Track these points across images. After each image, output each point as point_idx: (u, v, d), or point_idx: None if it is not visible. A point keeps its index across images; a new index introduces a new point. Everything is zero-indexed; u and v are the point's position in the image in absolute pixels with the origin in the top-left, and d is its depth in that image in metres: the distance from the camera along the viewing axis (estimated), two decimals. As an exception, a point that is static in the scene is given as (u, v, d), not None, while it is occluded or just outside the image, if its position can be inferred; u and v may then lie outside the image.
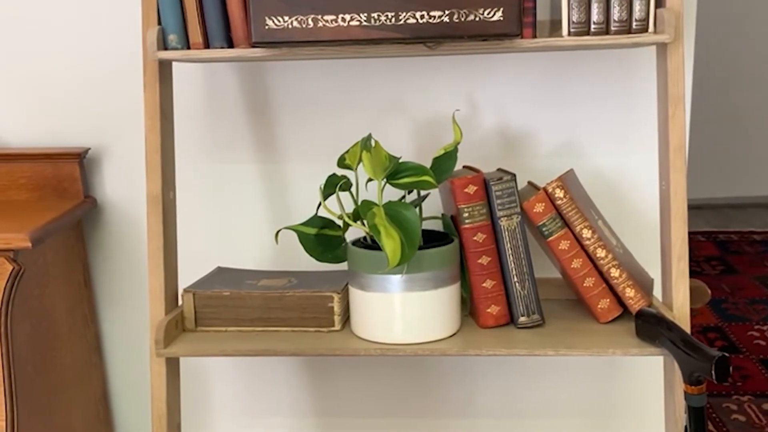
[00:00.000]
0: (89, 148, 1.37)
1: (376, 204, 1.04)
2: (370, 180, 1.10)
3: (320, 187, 1.11)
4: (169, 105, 1.15)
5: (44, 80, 1.36)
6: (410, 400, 1.42)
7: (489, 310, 1.13)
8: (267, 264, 1.37)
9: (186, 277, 1.23)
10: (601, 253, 1.12)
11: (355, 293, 1.10)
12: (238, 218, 1.37)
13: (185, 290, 1.16)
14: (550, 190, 1.12)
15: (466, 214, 1.11)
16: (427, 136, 1.32)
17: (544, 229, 1.11)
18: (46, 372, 1.26)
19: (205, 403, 1.45)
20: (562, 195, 1.11)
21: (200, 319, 1.16)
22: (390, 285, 1.06)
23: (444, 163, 1.12)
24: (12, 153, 1.35)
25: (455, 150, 1.13)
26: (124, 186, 1.39)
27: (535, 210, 1.11)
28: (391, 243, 0.99)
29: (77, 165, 1.35)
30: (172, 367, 1.13)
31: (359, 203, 1.05)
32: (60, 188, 1.36)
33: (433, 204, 1.26)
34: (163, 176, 1.12)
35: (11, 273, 1.14)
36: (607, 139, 1.30)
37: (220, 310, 1.15)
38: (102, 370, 1.45)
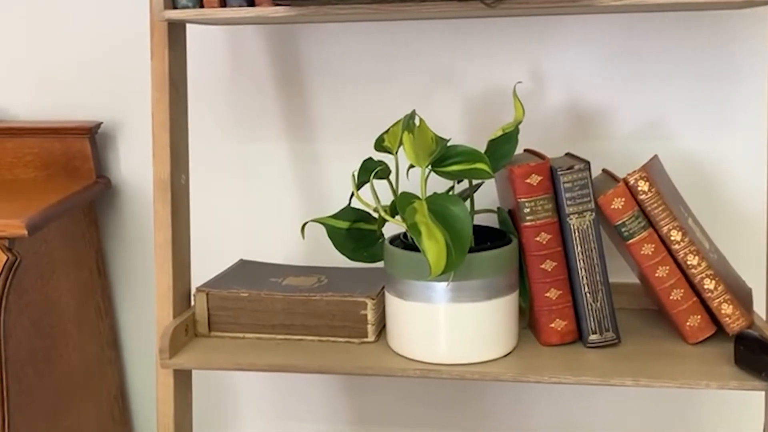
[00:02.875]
0: (101, 123, 1.23)
1: (417, 197, 0.86)
2: (412, 166, 0.92)
3: (353, 175, 0.94)
4: (181, 75, 0.99)
5: (53, 48, 1.22)
6: (455, 413, 1.25)
7: (553, 325, 0.94)
8: (297, 257, 1.21)
9: (206, 271, 1.09)
10: (692, 260, 0.92)
11: (392, 301, 0.93)
12: (265, 205, 1.22)
13: (198, 289, 1.01)
14: (631, 182, 0.92)
15: (527, 210, 0.92)
16: (482, 113, 1.14)
17: (623, 229, 0.92)
18: (50, 372, 1.14)
19: (228, 405, 1.31)
20: (646, 188, 0.92)
21: (214, 324, 1.01)
22: (433, 294, 0.88)
23: (502, 146, 0.94)
24: (17, 127, 1.22)
25: (516, 131, 0.95)
26: (140, 165, 1.25)
27: (612, 206, 0.92)
28: (434, 246, 0.81)
29: (88, 141, 1.21)
30: (182, 378, 0.99)
31: (398, 195, 0.87)
32: (70, 167, 1.22)
33: (488, 194, 1.08)
34: (172, 157, 0.97)
35: (5, 264, 1.01)
36: (700, 118, 1.09)
37: (237, 314, 1.00)
38: (118, 365, 1.32)
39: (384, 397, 1.27)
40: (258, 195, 1.22)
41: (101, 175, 1.24)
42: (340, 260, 1.10)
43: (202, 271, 1.09)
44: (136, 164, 1.25)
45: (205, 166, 1.21)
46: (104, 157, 1.26)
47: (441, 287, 0.88)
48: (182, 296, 1.00)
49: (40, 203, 1.08)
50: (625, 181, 0.93)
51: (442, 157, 0.90)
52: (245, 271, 1.09)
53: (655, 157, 1.02)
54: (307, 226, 1.03)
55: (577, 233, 0.92)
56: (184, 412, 1.00)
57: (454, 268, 0.83)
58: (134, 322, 1.32)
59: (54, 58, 1.23)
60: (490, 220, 1.03)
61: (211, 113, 1.20)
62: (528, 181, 0.92)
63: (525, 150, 1.05)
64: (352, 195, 0.95)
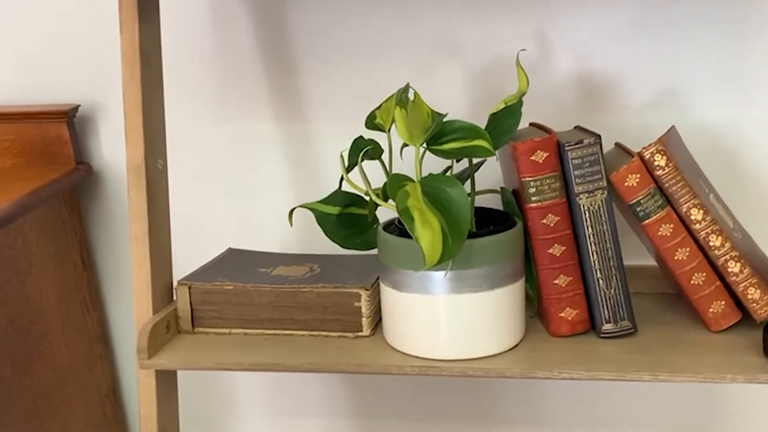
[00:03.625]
0: (78, 105, 1.15)
1: (410, 179, 0.79)
2: (406, 145, 0.85)
3: (341, 155, 0.86)
4: (154, 49, 0.91)
5: (24, 27, 1.15)
6: (464, 404, 1.19)
7: (563, 315, 0.87)
8: (292, 244, 1.14)
9: (194, 262, 1.02)
10: (715, 240, 0.84)
11: (387, 292, 0.85)
12: (256, 189, 1.15)
13: (180, 282, 0.94)
14: (647, 157, 0.84)
15: (532, 190, 0.84)
16: (486, 85, 1.06)
17: (638, 208, 0.84)
18: (32, 372, 1.08)
19: (227, 400, 1.25)
20: (663, 163, 0.84)
21: (198, 319, 0.94)
22: (431, 284, 0.81)
23: (504, 121, 0.86)
24: (-10, 112, 1.15)
25: (519, 103, 0.87)
26: (123, 149, 1.16)
27: (626, 183, 0.84)
28: (428, 234, 0.73)
29: (65, 125, 1.14)
30: (166, 377, 0.92)
31: (389, 176, 0.79)
32: (48, 153, 1.16)
33: (493, 172, 1.00)
34: (146, 140, 0.90)
35: (-24, 260, 0.95)
36: (722, 86, 1.01)
37: (222, 308, 0.93)
38: (109, 360, 1.26)
39: (388, 390, 1.20)
40: (248, 179, 1.15)
41: (81, 161, 1.18)
42: (338, 247, 1.03)
43: (190, 263, 1.02)
44: (118, 149, 1.17)
45: (191, 150, 1.14)
46: (84, 141, 1.19)
47: (439, 277, 0.81)
48: (163, 290, 0.93)
49: (14, 193, 1.02)
50: (640, 156, 0.85)
51: (438, 134, 0.82)
52: (233, 261, 1.02)
53: (673, 128, 0.94)
54: (298, 211, 0.96)
55: (587, 214, 0.84)
56: (169, 414, 0.93)
57: (452, 257, 0.75)
58: (125, 315, 1.25)
59: (26, 37, 1.15)
60: (494, 202, 0.95)
61: (195, 92, 1.12)
62: (533, 158, 0.84)
63: (530, 124, 0.97)
64: (343, 178, 0.88)
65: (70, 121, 1.15)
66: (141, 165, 0.89)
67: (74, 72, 1.15)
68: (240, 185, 1.15)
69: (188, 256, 1.04)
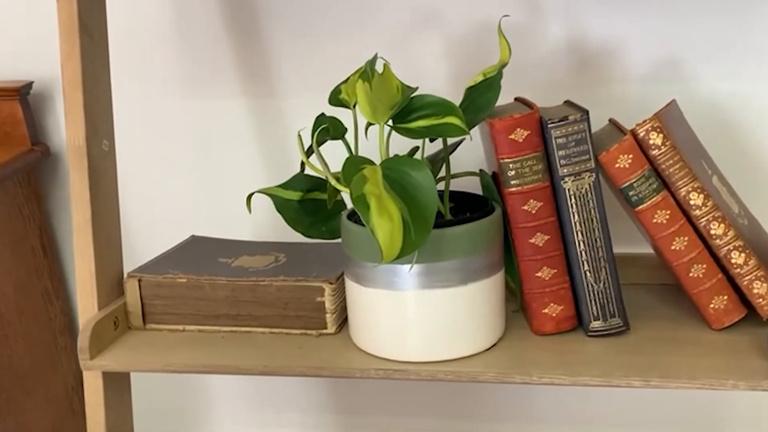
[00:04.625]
0: (32, 82, 1.08)
1: (369, 162, 0.70)
2: (372, 124, 0.76)
3: (299, 135, 0.78)
4: (96, 19, 0.83)
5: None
6: (448, 398, 1.12)
7: (546, 311, 0.78)
8: (265, 229, 1.06)
9: (155, 250, 0.95)
10: (717, 228, 0.75)
11: (351, 287, 0.77)
12: (224, 171, 1.07)
13: (129, 275, 0.86)
14: (641, 135, 0.75)
15: (512, 172, 0.75)
16: (470, 55, 0.97)
17: (631, 193, 0.76)
18: (-16, 368, 1.01)
19: (205, 395, 1.19)
20: (659, 141, 0.75)
21: (150, 315, 0.86)
22: (398, 279, 0.73)
23: (482, 95, 0.77)
24: (-62, 90, 1.08)
25: (499, 75, 0.78)
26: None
27: (617, 165, 0.75)
28: (386, 224, 0.65)
29: (18, 103, 1.07)
30: (115, 379, 0.85)
31: (346, 160, 0.71)
32: (1, 134, 1.08)
33: (476, 152, 0.92)
34: (87, 119, 0.82)
35: None
36: (729, 55, 0.92)
37: (176, 303, 0.85)
38: (75, 352, 1.19)
39: (370, 384, 1.13)
40: (215, 160, 1.07)
41: (38, 142, 1.10)
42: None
43: (152, 249, 0.95)
44: (77, 128, 1.10)
45: (153, 130, 1.06)
46: (40, 121, 1.11)
47: (405, 271, 0.72)
48: (110, 284, 0.86)
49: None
50: (633, 134, 0.76)
51: (406, 110, 0.74)
52: (193, 251, 0.94)
53: (673, 102, 0.85)
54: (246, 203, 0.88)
55: (573, 199, 0.76)
56: (120, 417, 0.86)
57: (414, 250, 0.66)
58: (92, 304, 1.18)
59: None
60: (474, 185, 0.86)
61: (152, 67, 1.05)
62: (512, 136, 0.75)
63: (516, 99, 0.88)
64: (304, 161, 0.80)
65: (24, 99, 1.07)
66: (82, 146, 0.81)
67: (27, 46, 1.08)
68: (207, 167, 1.08)
69: (152, 246, 0.97)
